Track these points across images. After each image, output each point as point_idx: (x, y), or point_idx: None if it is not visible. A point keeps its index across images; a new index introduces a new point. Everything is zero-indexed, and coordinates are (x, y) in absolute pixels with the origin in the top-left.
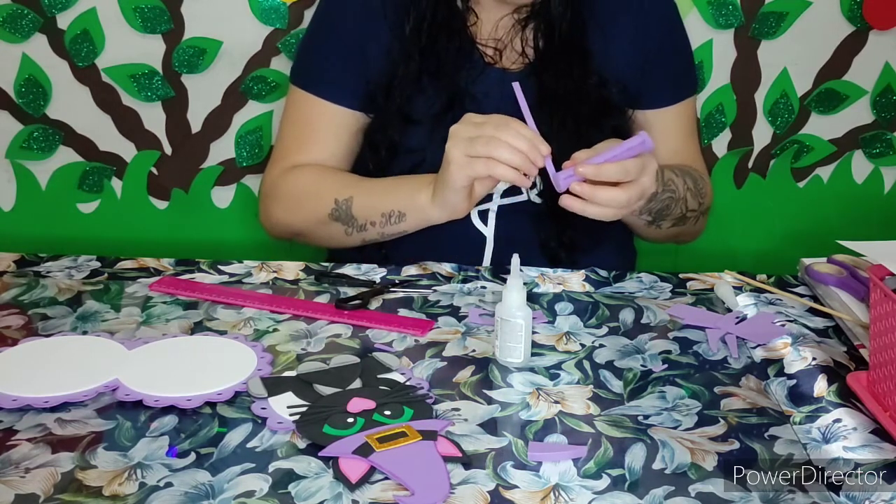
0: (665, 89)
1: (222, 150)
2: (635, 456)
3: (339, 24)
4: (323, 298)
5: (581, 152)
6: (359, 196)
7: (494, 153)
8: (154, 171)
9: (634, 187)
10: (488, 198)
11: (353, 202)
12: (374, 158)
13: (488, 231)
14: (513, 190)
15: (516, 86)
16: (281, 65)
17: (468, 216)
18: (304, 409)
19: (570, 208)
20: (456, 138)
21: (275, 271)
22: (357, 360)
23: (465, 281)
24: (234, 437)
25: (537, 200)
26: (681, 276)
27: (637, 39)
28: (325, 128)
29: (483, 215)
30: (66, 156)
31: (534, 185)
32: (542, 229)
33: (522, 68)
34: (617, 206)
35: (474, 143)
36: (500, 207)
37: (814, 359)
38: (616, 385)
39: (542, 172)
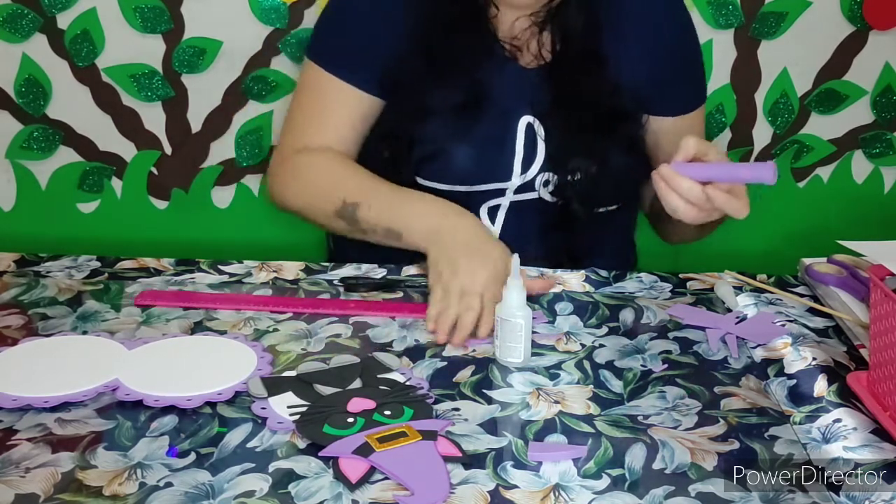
0: (680, 97)
1: (222, 150)
2: (635, 456)
3: (358, 7)
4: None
5: (700, 146)
6: (366, 204)
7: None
8: (154, 170)
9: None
10: (500, 193)
11: (360, 209)
12: (390, 149)
13: (495, 230)
14: (526, 186)
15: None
16: (281, 65)
17: (477, 213)
18: (304, 409)
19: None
20: (447, 288)
21: (275, 271)
22: (357, 360)
23: None
24: (234, 437)
25: (549, 199)
26: (681, 276)
27: (652, 47)
28: (338, 110)
29: (493, 211)
30: (66, 156)
31: (547, 183)
32: (549, 227)
33: (539, 68)
34: (693, 201)
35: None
36: (511, 203)
37: (814, 359)
38: (616, 385)
39: (556, 168)
